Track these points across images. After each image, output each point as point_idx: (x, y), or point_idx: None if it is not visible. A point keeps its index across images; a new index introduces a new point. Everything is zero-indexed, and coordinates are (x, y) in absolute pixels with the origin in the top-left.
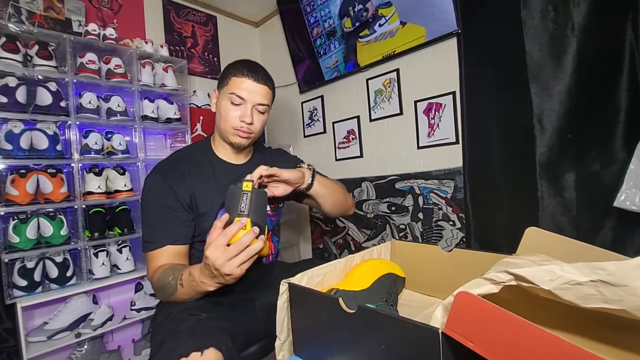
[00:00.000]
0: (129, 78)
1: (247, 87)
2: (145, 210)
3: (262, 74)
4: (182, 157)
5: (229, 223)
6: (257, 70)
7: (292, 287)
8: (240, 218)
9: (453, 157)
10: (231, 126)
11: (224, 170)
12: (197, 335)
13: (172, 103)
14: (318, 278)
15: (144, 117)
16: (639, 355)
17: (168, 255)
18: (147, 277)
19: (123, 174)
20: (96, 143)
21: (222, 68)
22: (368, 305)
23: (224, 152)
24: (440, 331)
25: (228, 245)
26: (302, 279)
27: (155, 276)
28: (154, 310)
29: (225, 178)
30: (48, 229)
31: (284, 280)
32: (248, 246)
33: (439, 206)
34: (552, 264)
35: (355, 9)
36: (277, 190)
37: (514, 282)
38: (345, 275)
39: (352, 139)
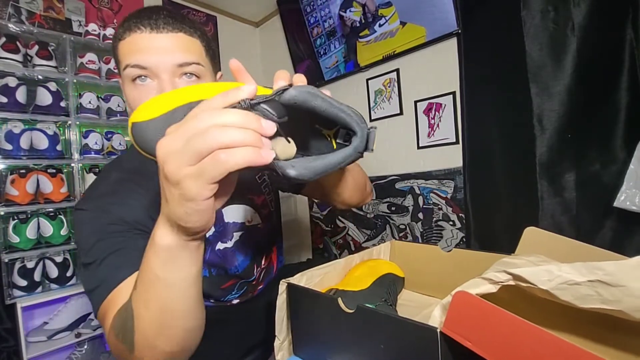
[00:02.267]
0: None
1: (145, 46)
2: (84, 254)
3: (166, 16)
4: (118, 172)
5: None
6: (155, 14)
7: (291, 287)
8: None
9: (453, 157)
10: None
11: None
12: None
13: None
14: (317, 278)
15: None
16: (636, 356)
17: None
18: (108, 341)
19: None
20: (96, 143)
21: (223, 68)
22: (367, 305)
23: None
24: (438, 330)
25: None
26: (301, 279)
27: (112, 324)
28: None
29: None
30: (48, 229)
31: (283, 280)
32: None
33: (439, 206)
34: (550, 264)
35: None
36: None
37: (512, 282)
38: (344, 275)
39: None
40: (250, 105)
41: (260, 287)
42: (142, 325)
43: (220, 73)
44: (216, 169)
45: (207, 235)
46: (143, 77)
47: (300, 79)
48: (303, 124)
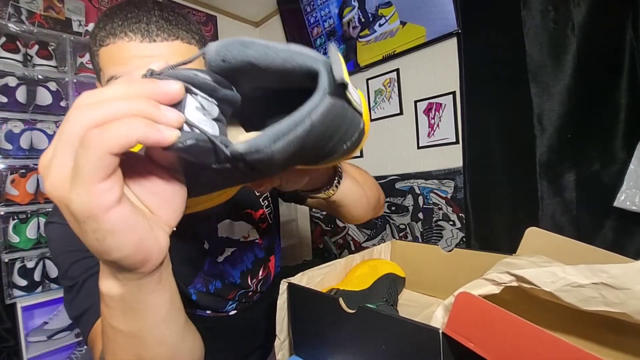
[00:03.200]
0: None
1: (131, 54)
2: (61, 275)
3: (159, 19)
4: None
5: None
6: (145, 16)
7: (291, 287)
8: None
9: (453, 157)
10: None
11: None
12: None
13: None
14: (318, 278)
15: None
16: (639, 358)
17: None
18: None
19: None
20: None
21: None
22: (368, 305)
23: None
24: (440, 331)
25: None
26: (302, 278)
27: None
28: None
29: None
30: None
31: (283, 280)
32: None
33: (439, 206)
34: (554, 265)
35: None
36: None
37: (515, 283)
38: (345, 275)
39: None
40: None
41: (257, 295)
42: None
43: None
44: (90, 156)
45: (207, 248)
46: None
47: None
48: (259, 107)
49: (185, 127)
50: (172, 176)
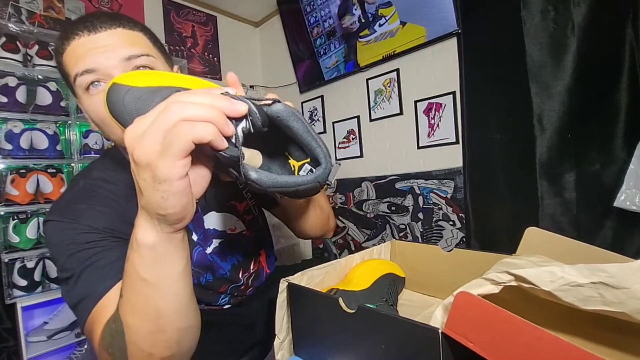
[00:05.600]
0: None
1: (88, 48)
2: (61, 267)
3: (101, 16)
4: (87, 180)
5: None
6: (90, 17)
7: (291, 286)
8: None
9: (453, 157)
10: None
11: None
12: None
13: None
14: (318, 278)
15: None
16: (638, 357)
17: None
18: (97, 355)
19: None
20: (96, 143)
21: (223, 68)
22: (368, 305)
23: None
24: (440, 331)
25: None
26: (301, 278)
27: (101, 337)
28: None
29: None
30: None
31: (283, 279)
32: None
33: (439, 206)
34: (553, 265)
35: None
36: None
37: (514, 283)
38: (345, 275)
39: (352, 139)
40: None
41: (250, 290)
42: (134, 335)
43: (177, 67)
44: (180, 141)
45: (195, 239)
46: (96, 82)
47: (290, 103)
48: (275, 147)
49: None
50: (207, 163)
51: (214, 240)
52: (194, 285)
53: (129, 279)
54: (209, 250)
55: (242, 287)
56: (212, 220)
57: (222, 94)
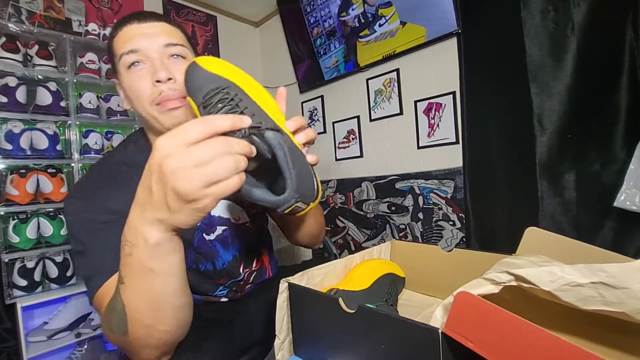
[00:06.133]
0: None
1: (134, 33)
2: (76, 241)
3: (150, 13)
4: (114, 166)
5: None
6: (140, 13)
7: (291, 286)
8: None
9: (453, 157)
10: (148, 101)
11: None
12: None
13: None
14: (318, 278)
15: None
16: (638, 357)
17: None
18: (102, 329)
19: None
20: (96, 143)
21: None
22: (368, 305)
23: None
24: (440, 331)
25: None
26: (301, 278)
27: (105, 313)
28: None
29: None
30: (48, 228)
31: (283, 279)
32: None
33: (439, 206)
34: (553, 265)
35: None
36: None
37: (514, 283)
38: (345, 275)
39: (352, 139)
40: (248, 134)
41: (249, 287)
42: (135, 313)
43: None
44: (227, 190)
45: (198, 224)
46: (136, 62)
47: (310, 134)
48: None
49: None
50: None
51: (218, 227)
52: (193, 270)
53: (133, 267)
54: (212, 236)
55: (242, 283)
56: (218, 208)
57: (241, 129)
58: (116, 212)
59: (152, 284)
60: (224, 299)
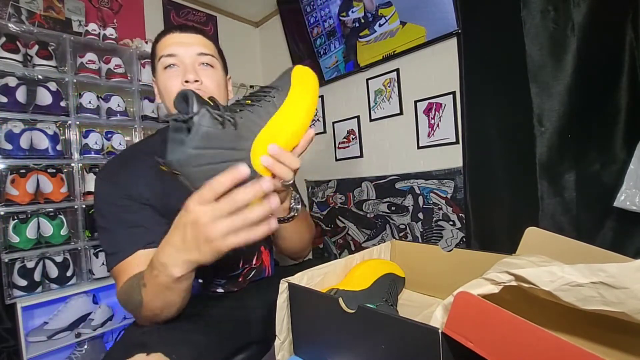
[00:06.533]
0: (129, 78)
1: (173, 41)
2: (100, 217)
3: (189, 26)
4: (136, 152)
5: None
6: (182, 25)
7: (291, 286)
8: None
9: (453, 157)
10: None
11: None
12: (148, 341)
13: None
14: (318, 278)
15: (144, 117)
16: (638, 357)
17: (140, 264)
18: (117, 297)
19: None
20: (96, 143)
21: None
22: (368, 305)
23: None
24: (440, 331)
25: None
26: (302, 278)
27: (123, 289)
28: None
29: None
30: (48, 229)
31: (283, 279)
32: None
33: (439, 206)
34: (553, 264)
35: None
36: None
37: (514, 283)
38: (345, 275)
39: (352, 139)
40: None
41: (246, 283)
42: (149, 305)
43: (229, 76)
44: (244, 241)
45: None
46: (172, 65)
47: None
48: None
49: None
50: None
51: None
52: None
53: (156, 284)
54: None
55: (240, 280)
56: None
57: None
58: (133, 198)
59: (168, 295)
60: (219, 290)
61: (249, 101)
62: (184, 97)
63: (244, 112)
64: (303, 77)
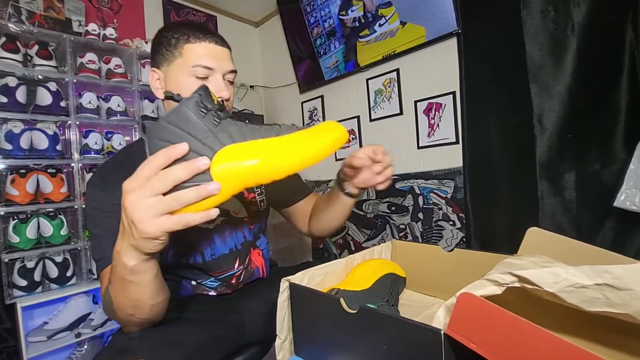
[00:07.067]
0: (129, 78)
1: (211, 53)
2: (89, 222)
3: (222, 38)
4: (126, 158)
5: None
6: (212, 32)
7: (292, 286)
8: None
9: (453, 157)
10: None
11: None
12: (132, 346)
13: None
14: (319, 278)
15: (144, 117)
16: None
17: None
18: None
19: None
20: (96, 143)
21: None
22: (369, 305)
23: None
24: (442, 332)
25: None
26: (302, 278)
27: (102, 294)
28: None
29: None
30: (48, 229)
31: (284, 278)
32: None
33: (439, 206)
34: (556, 266)
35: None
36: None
37: (517, 284)
38: (346, 275)
39: (352, 139)
40: None
41: (240, 284)
42: (119, 305)
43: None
44: (183, 223)
45: None
46: (204, 77)
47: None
48: None
49: None
50: None
51: (218, 217)
52: (189, 265)
53: (116, 277)
54: (211, 226)
55: (234, 281)
56: None
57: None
58: (119, 204)
59: (130, 290)
60: (212, 293)
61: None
62: (203, 89)
63: (238, 122)
64: (324, 129)
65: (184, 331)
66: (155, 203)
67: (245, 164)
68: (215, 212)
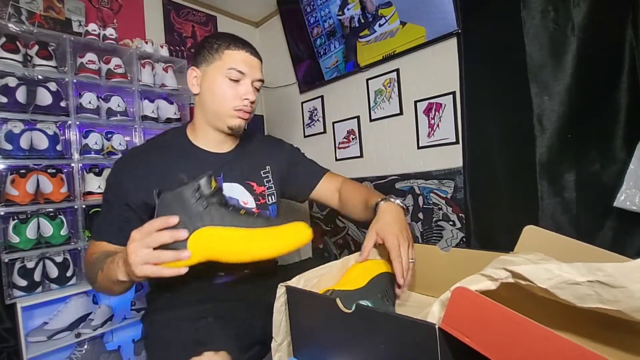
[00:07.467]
0: (129, 78)
1: (246, 61)
2: (103, 199)
3: (257, 52)
4: (152, 147)
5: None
6: (250, 44)
7: (289, 290)
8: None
9: (453, 157)
10: (232, 107)
11: (206, 162)
12: (205, 338)
13: (172, 103)
14: (315, 280)
15: (144, 117)
16: (635, 355)
17: (104, 249)
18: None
19: None
20: (96, 143)
21: None
22: (364, 301)
23: (204, 141)
24: (437, 327)
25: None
26: (298, 281)
27: (91, 260)
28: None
29: (207, 170)
30: (48, 229)
31: (281, 284)
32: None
33: (439, 206)
34: (550, 262)
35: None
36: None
37: (511, 280)
38: (341, 276)
39: (352, 139)
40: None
41: (247, 271)
42: (99, 284)
43: None
44: (155, 274)
45: None
46: (237, 80)
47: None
48: None
49: None
50: None
51: (229, 207)
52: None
53: (105, 277)
54: None
55: (234, 274)
56: (230, 189)
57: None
58: (123, 196)
59: (113, 287)
60: (218, 281)
61: (243, 211)
62: (206, 177)
63: (222, 208)
64: (292, 231)
65: (227, 325)
66: (146, 254)
67: (213, 245)
68: (184, 270)
